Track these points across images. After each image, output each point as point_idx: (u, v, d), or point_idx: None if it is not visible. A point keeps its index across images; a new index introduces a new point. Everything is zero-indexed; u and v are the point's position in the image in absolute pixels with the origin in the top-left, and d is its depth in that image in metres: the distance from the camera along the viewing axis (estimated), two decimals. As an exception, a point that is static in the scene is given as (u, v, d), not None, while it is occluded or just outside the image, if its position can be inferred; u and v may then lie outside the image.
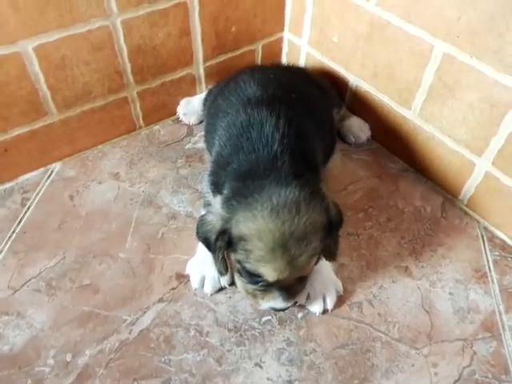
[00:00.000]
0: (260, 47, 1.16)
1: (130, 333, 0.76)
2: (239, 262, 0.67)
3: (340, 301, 0.81)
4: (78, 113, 0.97)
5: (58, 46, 0.86)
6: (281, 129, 0.72)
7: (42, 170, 1.00)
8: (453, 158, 0.93)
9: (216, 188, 0.76)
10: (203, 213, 0.82)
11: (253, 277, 0.67)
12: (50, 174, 1.00)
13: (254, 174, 0.68)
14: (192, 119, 1.12)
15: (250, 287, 0.70)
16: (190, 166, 1.03)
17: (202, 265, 0.81)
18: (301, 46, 1.16)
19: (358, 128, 1.08)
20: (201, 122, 1.12)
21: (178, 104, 1.12)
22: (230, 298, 0.81)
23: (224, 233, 0.66)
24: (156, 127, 1.11)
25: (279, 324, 0.78)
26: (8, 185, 0.97)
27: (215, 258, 0.69)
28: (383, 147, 1.09)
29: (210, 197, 0.81)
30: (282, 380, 0.72)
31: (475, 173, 0.91)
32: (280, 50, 1.21)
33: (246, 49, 1.13)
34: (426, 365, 0.74)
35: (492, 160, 0.86)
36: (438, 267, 0.87)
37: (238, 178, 0.69)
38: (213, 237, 0.67)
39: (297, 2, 1.10)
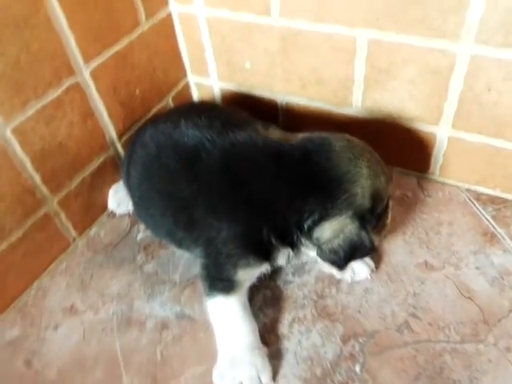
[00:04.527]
0: (170, 100, 1.05)
1: None
2: None
3: (386, 329, 0.72)
4: (-3, 256, 0.77)
5: None
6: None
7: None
8: (411, 137, 0.91)
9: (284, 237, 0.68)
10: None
11: None
12: (-12, 345, 0.77)
13: None
14: (130, 206, 0.95)
15: None
16: (152, 258, 0.87)
17: (232, 368, 0.66)
18: (212, 85, 1.07)
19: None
20: (140, 204, 0.98)
21: (107, 195, 0.96)
22: (276, 387, 0.68)
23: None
24: (93, 231, 0.94)
25: (342, 389, 0.67)
26: None
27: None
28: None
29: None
30: None
31: (438, 142, 0.89)
32: (190, 96, 1.11)
33: (157, 107, 1.01)
34: (500, 354, 0.68)
35: (451, 124, 0.85)
36: (451, 247, 0.82)
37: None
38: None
39: (191, 42, 1.01)
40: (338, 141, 0.68)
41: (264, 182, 0.66)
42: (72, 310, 0.80)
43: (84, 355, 0.73)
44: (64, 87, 0.80)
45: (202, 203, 0.70)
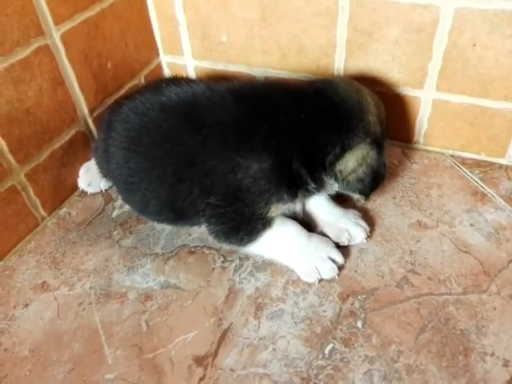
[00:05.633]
0: (143, 79, 1.00)
1: None
2: None
3: (385, 285, 0.69)
4: (-43, 230, 0.70)
5: None
6: None
7: None
8: (395, 104, 0.90)
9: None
10: None
11: None
12: None
13: None
14: (102, 185, 0.89)
15: None
16: (130, 232, 0.81)
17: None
18: (186, 64, 1.03)
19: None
20: (115, 181, 0.91)
21: (77, 174, 0.89)
22: (273, 350, 0.62)
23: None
24: (63, 211, 0.86)
25: (346, 346, 0.62)
26: None
27: None
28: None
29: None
30: (393, 406, 0.56)
31: (423, 107, 0.88)
32: (163, 76, 1.07)
33: (129, 85, 0.96)
34: (504, 302, 0.66)
35: (435, 86, 0.84)
36: (443, 207, 0.81)
37: None
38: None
39: (164, 17, 0.98)
40: (338, 79, 0.74)
41: (287, 116, 0.66)
42: (44, 287, 0.72)
43: (60, 331, 0.66)
44: (33, 47, 0.74)
45: (217, 147, 0.67)
